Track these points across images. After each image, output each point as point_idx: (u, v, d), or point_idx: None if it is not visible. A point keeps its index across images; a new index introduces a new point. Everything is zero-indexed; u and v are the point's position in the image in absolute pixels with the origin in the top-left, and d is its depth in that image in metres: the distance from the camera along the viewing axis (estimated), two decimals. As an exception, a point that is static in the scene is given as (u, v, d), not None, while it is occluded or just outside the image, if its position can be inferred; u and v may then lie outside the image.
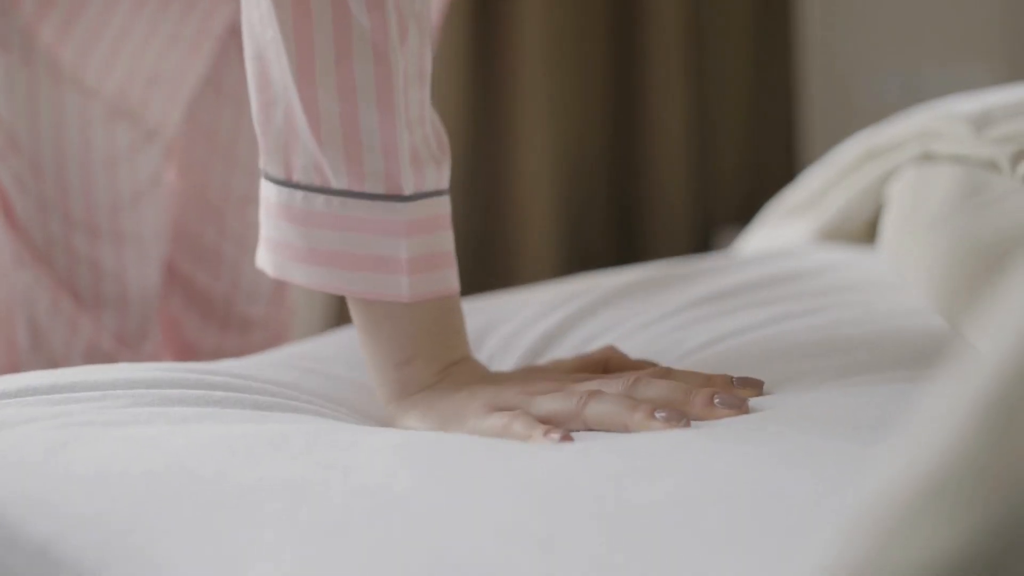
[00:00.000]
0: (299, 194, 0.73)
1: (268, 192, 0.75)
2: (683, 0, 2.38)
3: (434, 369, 0.75)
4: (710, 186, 2.48)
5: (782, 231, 1.33)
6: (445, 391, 0.74)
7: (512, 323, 0.93)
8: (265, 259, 0.77)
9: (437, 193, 0.75)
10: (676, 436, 0.60)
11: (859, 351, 0.75)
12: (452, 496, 0.53)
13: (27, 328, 1.10)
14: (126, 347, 1.13)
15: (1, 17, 1.02)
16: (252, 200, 1.18)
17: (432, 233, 0.75)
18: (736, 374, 0.71)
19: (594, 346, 0.87)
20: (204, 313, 1.22)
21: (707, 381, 0.69)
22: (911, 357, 0.73)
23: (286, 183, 0.74)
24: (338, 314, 2.06)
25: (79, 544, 0.54)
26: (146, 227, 1.12)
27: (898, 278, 0.99)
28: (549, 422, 0.69)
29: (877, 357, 0.73)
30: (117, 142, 1.08)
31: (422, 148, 0.74)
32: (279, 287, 1.25)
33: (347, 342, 0.90)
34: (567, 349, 0.88)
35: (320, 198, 0.73)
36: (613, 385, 0.70)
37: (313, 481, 0.56)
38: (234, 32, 1.11)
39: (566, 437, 0.65)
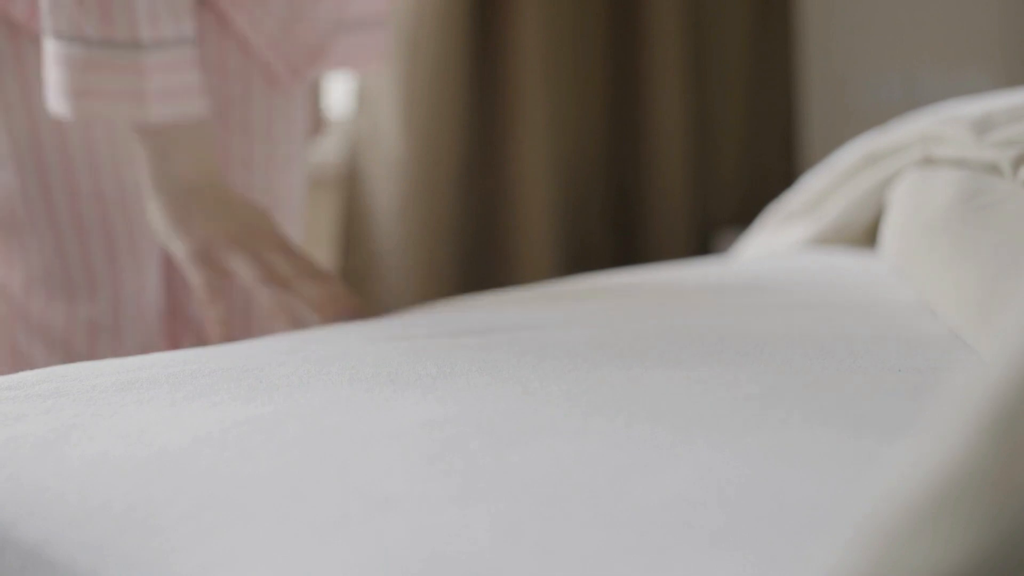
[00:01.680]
0: (64, 42, 0.95)
1: (48, 45, 0.97)
2: (683, 2, 2.38)
3: (189, 172, 1.00)
4: (709, 188, 2.48)
5: (781, 235, 1.33)
6: (181, 188, 1.00)
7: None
8: (55, 103, 0.98)
9: (179, 40, 0.97)
10: (677, 432, 0.60)
11: (863, 345, 0.75)
12: (448, 493, 0.53)
13: (26, 329, 1.10)
14: (123, 345, 1.12)
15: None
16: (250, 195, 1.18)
17: (177, 72, 0.97)
18: (737, 356, 0.72)
19: (586, 321, 0.87)
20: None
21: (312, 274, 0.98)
22: (915, 353, 0.73)
23: (60, 35, 0.95)
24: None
25: (74, 543, 0.53)
26: (136, 219, 1.12)
27: (899, 281, 0.99)
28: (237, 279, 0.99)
29: (881, 353, 0.73)
30: (96, 135, 1.08)
31: (160, 5, 0.95)
32: None
33: (339, 328, 0.90)
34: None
35: (79, 45, 0.95)
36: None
37: (307, 474, 0.56)
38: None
39: (222, 328, 1.00)
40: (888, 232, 1.10)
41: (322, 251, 2.20)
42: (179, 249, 0.99)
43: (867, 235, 1.23)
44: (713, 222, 2.48)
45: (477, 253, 2.23)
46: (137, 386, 0.71)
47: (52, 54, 0.96)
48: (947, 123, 1.07)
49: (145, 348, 1.14)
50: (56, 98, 0.97)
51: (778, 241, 1.33)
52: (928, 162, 1.09)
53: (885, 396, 0.64)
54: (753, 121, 2.51)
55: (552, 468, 0.55)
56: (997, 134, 0.98)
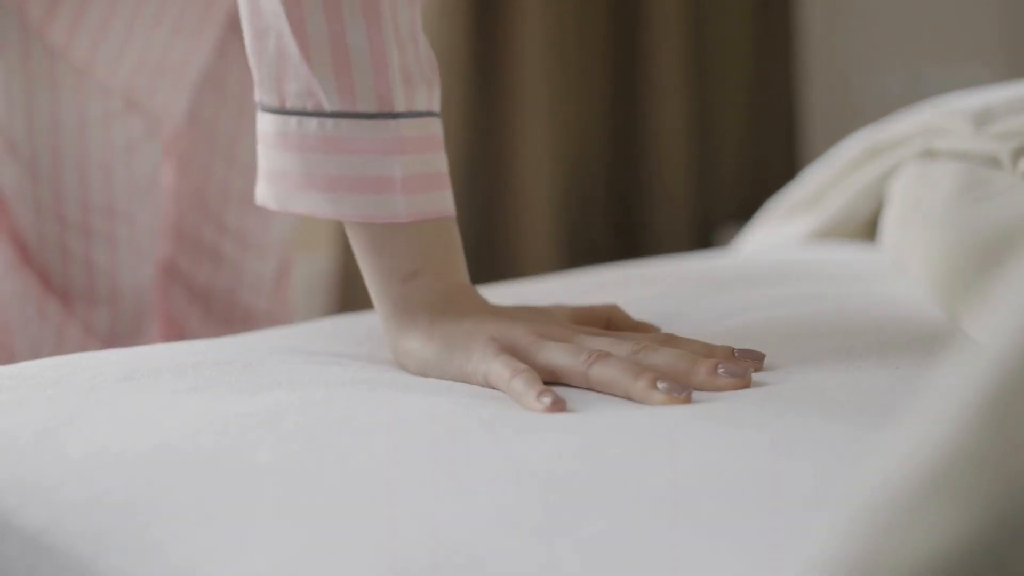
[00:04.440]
0: (293, 120, 0.74)
1: (264, 123, 0.76)
2: (683, 0, 2.38)
3: (437, 288, 0.75)
4: (711, 184, 2.48)
5: (783, 229, 1.33)
6: (450, 317, 0.74)
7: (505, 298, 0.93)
8: (265, 193, 0.77)
9: (429, 114, 0.76)
10: (676, 422, 0.60)
11: (862, 336, 0.75)
12: (449, 482, 0.53)
13: (22, 332, 1.10)
14: (118, 346, 1.13)
15: (1, 19, 1.02)
16: (251, 198, 1.18)
17: (426, 153, 0.75)
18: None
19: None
20: (206, 310, 1.22)
21: (711, 351, 0.69)
22: (914, 345, 0.73)
23: (280, 111, 0.75)
24: (340, 305, 2.07)
25: (74, 531, 0.54)
26: (142, 227, 1.12)
27: (899, 274, 0.99)
28: (554, 374, 0.69)
29: (880, 343, 0.73)
30: (114, 143, 1.08)
31: (413, 67, 0.75)
32: (280, 280, 1.25)
33: (342, 323, 0.90)
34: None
35: (314, 122, 0.74)
36: (621, 347, 0.69)
37: (308, 464, 0.56)
38: (234, 27, 1.11)
39: (557, 405, 0.64)
40: (888, 225, 1.10)
41: (321, 252, 2.20)
42: (468, 363, 0.72)
43: (868, 228, 1.23)
44: (715, 217, 2.48)
45: (479, 250, 2.23)
46: (138, 377, 0.71)
47: (271, 133, 0.76)
48: (947, 115, 1.07)
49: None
50: (271, 188, 0.77)
51: (779, 235, 1.33)
52: (929, 155, 1.09)
53: (882, 387, 0.64)
54: (755, 117, 2.52)
55: (553, 458, 0.55)
56: (997, 126, 0.98)
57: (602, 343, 0.70)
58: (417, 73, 0.75)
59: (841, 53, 2.48)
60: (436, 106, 0.77)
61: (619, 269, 1.12)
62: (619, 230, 2.40)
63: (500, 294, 1.00)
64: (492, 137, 2.22)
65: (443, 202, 0.76)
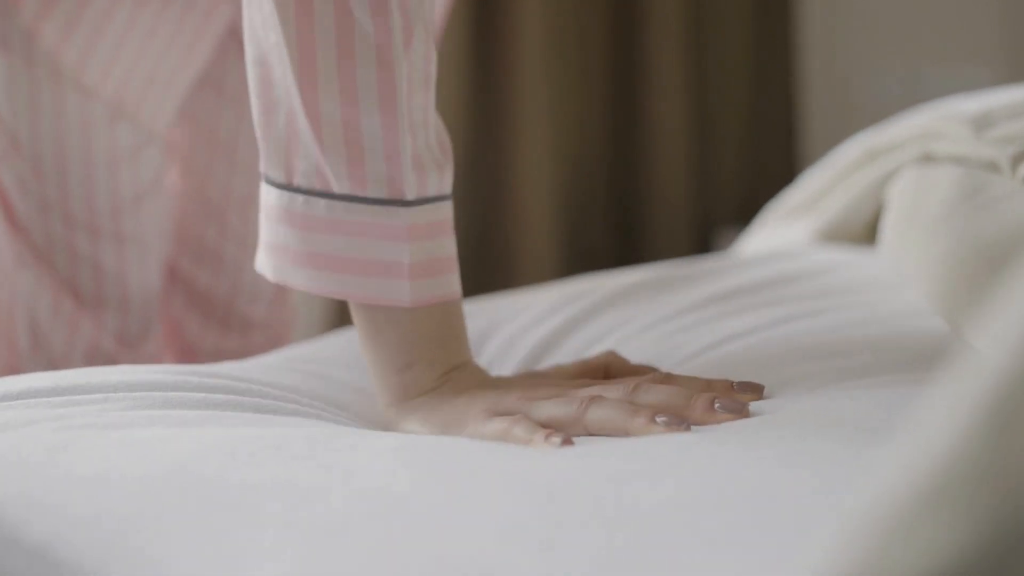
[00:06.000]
0: (300, 198, 0.74)
1: (268, 196, 0.76)
2: (683, 1, 2.38)
3: (435, 373, 0.75)
4: (710, 187, 2.48)
5: (782, 232, 1.33)
6: (446, 396, 0.74)
7: (512, 326, 0.93)
8: (264, 263, 0.77)
9: (439, 198, 0.76)
10: (676, 438, 0.60)
11: (860, 354, 0.75)
12: (452, 498, 0.53)
13: (27, 328, 1.10)
14: (127, 348, 1.13)
15: (2, 17, 1.02)
16: (253, 201, 1.18)
17: (434, 238, 0.75)
18: (737, 378, 0.70)
19: (595, 350, 0.87)
20: (205, 314, 1.22)
21: (708, 386, 0.69)
22: (912, 360, 0.73)
23: (287, 187, 0.74)
24: (338, 315, 2.07)
25: (79, 545, 0.54)
26: (148, 228, 1.12)
27: (898, 279, 0.99)
28: (550, 427, 0.68)
29: (878, 360, 0.73)
30: (119, 143, 1.08)
31: (424, 153, 0.75)
32: (280, 288, 1.25)
33: (347, 344, 0.90)
34: (568, 353, 0.88)
35: (321, 202, 0.73)
36: (614, 390, 0.69)
37: (313, 483, 0.56)
38: (234, 33, 1.11)
39: (567, 441, 0.64)
40: (887, 229, 1.10)
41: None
42: (462, 434, 0.72)
43: (867, 231, 1.23)
44: (714, 220, 2.48)
45: (479, 251, 2.23)
46: (149, 398, 0.71)
47: (275, 208, 0.75)
48: (946, 119, 1.07)
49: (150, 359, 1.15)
50: (273, 262, 0.76)
51: (778, 238, 1.33)
52: (927, 159, 1.09)
53: (884, 400, 0.64)
54: (754, 119, 2.51)
55: (554, 472, 0.55)
56: (996, 131, 0.98)
57: (594, 389, 0.70)
58: (428, 158, 0.75)
59: (841, 53, 2.48)
60: (447, 188, 0.76)
61: (618, 275, 1.12)
62: (618, 231, 2.40)
63: (503, 304, 1.00)
64: (492, 137, 2.22)
65: (448, 286, 0.76)
